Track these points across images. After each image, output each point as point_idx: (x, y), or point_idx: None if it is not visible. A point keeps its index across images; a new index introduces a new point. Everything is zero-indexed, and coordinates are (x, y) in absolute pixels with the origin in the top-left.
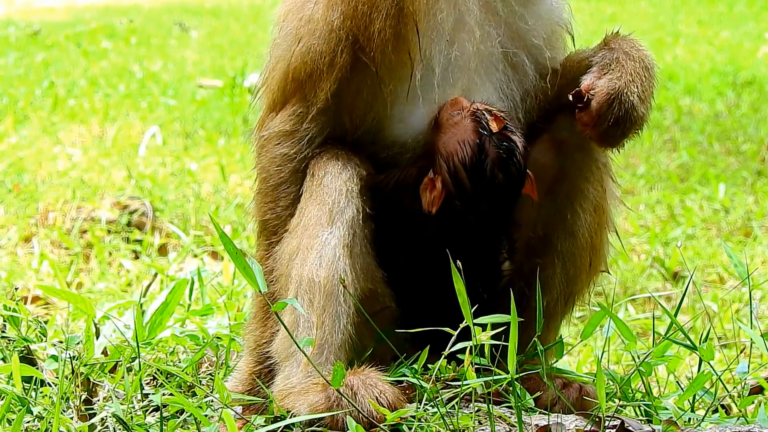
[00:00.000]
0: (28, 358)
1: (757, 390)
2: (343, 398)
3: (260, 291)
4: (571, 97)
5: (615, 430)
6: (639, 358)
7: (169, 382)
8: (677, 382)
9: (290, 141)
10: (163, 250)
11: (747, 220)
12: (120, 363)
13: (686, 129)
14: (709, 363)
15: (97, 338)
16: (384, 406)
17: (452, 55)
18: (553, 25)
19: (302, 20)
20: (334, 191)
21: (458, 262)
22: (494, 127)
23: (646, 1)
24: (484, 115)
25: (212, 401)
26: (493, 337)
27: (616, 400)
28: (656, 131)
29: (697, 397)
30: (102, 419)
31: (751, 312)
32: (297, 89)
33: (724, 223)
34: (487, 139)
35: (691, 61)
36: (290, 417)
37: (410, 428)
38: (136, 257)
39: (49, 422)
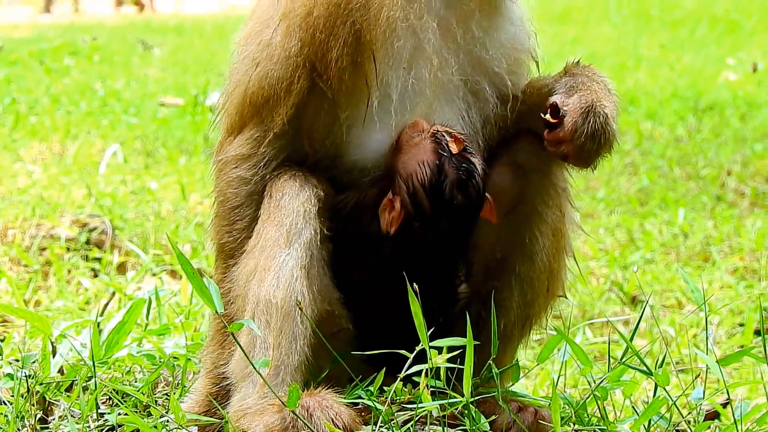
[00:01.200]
0: None
1: (713, 416)
2: (298, 420)
3: (217, 312)
4: (546, 114)
5: None
6: (595, 382)
7: (125, 401)
8: (633, 407)
9: (247, 164)
10: (122, 269)
11: (706, 245)
12: (76, 382)
13: (647, 153)
14: (664, 388)
15: (54, 357)
16: (339, 428)
17: (409, 82)
18: (516, 53)
19: (261, 45)
20: (291, 212)
21: (414, 284)
22: (454, 148)
23: (609, 24)
24: (444, 136)
25: (168, 421)
26: (449, 360)
27: (572, 425)
28: (617, 155)
29: (652, 422)
30: None
31: (707, 338)
32: (254, 114)
33: (683, 248)
34: (446, 160)
35: (652, 86)
36: None
37: None
38: (95, 275)
39: None
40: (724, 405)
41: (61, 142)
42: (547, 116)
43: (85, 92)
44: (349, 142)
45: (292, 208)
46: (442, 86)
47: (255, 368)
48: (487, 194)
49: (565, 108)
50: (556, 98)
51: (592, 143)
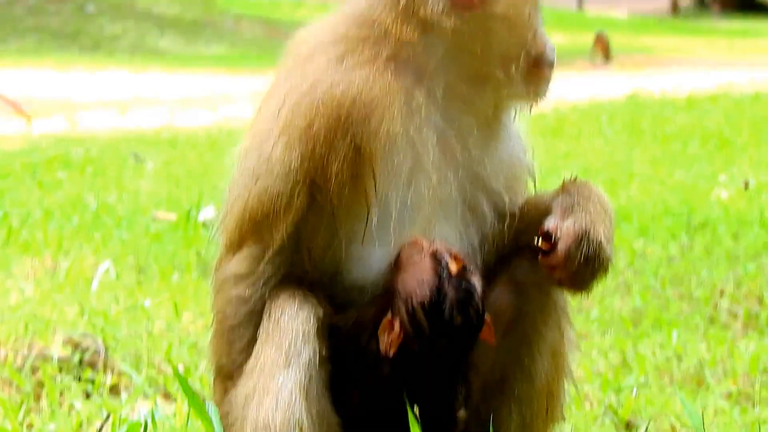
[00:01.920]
0: None
1: None
2: None
3: None
4: (538, 241)
5: None
6: None
7: None
8: None
9: (245, 283)
10: (115, 390)
11: (699, 368)
12: None
13: (639, 272)
14: None
15: None
16: None
17: (408, 198)
18: (514, 169)
19: (261, 159)
20: (290, 332)
21: (415, 406)
22: (453, 268)
23: (601, 137)
24: (443, 256)
25: None
26: None
27: None
28: (609, 274)
29: None
30: None
31: None
32: (253, 230)
33: (676, 371)
34: (446, 280)
35: (644, 202)
36: None
37: None
38: (88, 397)
39: None
40: None
41: (54, 258)
42: (540, 244)
43: (77, 206)
44: (348, 258)
45: (291, 328)
46: (441, 203)
47: None
48: (486, 315)
49: (558, 234)
50: (549, 223)
51: (585, 269)
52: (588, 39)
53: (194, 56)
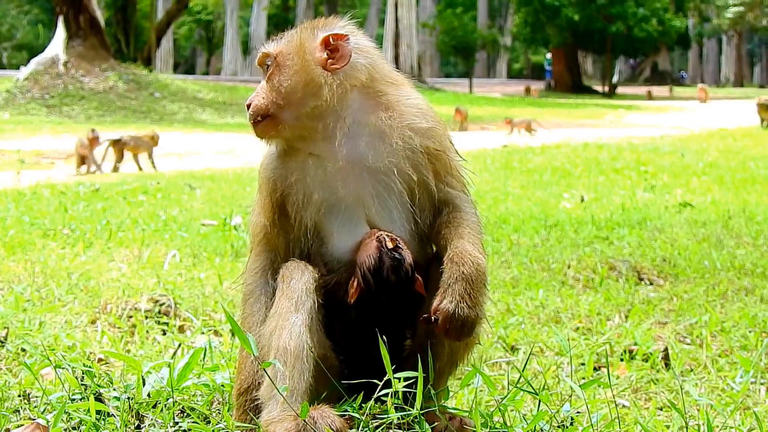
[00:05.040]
0: (99, 398)
1: (571, 422)
2: (307, 425)
3: (254, 354)
4: (423, 320)
5: None
6: (499, 398)
7: (192, 414)
8: (524, 417)
9: (259, 269)
10: (181, 329)
11: (557, 313)
12: (159, 402)
13: (515, 254)
14: (546, 404)
15: (144, 385)
16: (334, 431)
17: (341, 211)
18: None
19: (255, 200)
20: (297, 289)
21: (384, 337)
22: (390, 245)
23: (487, 172)
24: (384, 237)
25: (221, 428)
26: (404, 386)
27: (486, 429)
28: (495, 255)
29: (537, 426)
30: None
31: (572, 371)
32: (258, 241)
33: (542, 315)
34: (384, 254)
35: (517, 211)
36: None
37: None
38: (164, 333)
39: None
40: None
41: (139, 249)
42: (424, 322)
43: (153, 217)
44: (327, 245)
45: (298, 287)
46: (381, 203)
47: (279, 391)
48: (417, 275)
49: (437, 313)
50: (435, 302)
51: (460, 331)
52: (475, 111)
53: (224, 124)
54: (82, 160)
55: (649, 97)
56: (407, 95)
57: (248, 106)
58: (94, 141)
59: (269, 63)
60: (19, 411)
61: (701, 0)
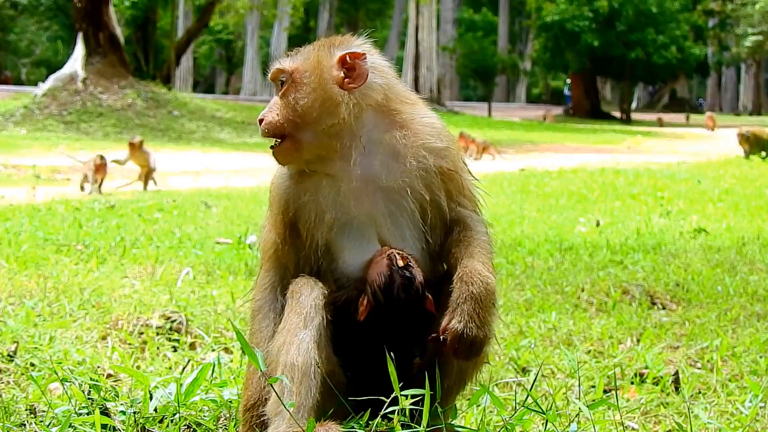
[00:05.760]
0: (105, 413)
1: None
2: None
3: (261, 370)
4: (432, 340)
5: None
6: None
7: (198, 429)
8: None
9: (269, 285)
10: (192, 346)
11: (569, 335)
12: (166, 417)
13: (529, 276)
14: (553, 423)
15: (151, 400)
16: None
17: (353, 229)
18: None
19: (266, 218)
20: (306, 305)
21: (391, 353)
22: (400, 263)
23: (504, 195)
24: (394, 256)
25: None
26: (412, 404)
27: None
28: (510, 278)
29: None
30: None
31: (580, 391)
32: (268, 258)
33: (554, 337)
34: (395, 272)
35: (532, 234)
36: None
37: None
38: (175, 350)
39: None
40: None
41: (153, 265)
42: (433, 341)
43: (168, 234)
44: (338, 261)
45: (307, 303)
46: (393, 222)
47: (285, 407)
48: (427, 293)
49: (446, 333)
50: (443, 322)
51: (469, 350)
52: (491, 135)
53: (242, 143)
54: (86, 177)
55: (660, 124)
56: (422, 114)
57: (260, 121)
58: (101, 167)
59: (284, 79)
60: (25, 425)
61: (721, 28)
